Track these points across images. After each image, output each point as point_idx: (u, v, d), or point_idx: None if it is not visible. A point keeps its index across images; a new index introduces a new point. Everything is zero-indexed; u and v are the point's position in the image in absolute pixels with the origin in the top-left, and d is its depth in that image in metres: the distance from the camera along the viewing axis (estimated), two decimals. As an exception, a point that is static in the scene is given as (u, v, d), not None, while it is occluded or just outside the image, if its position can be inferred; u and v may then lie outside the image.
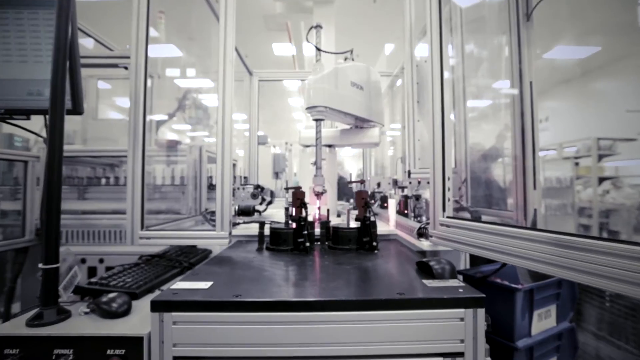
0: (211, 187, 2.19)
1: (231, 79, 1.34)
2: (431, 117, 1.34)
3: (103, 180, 2.30)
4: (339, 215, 2.18)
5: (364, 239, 1.45)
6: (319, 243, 1.55)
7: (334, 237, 1.50)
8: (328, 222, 1.64)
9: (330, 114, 1.78)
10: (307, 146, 2.30)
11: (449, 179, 1.32)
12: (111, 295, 1.03)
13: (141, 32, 1.38)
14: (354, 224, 1.53)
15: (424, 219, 2.06)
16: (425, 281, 1.01)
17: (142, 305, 1.06)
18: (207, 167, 2.05)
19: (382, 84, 3.25)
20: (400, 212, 2.08)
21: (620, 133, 5.60)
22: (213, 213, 1.89)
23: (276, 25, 5.96)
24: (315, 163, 1.76)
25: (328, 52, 1.93)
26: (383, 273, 1.12)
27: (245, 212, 1.78)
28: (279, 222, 1.62)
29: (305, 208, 1.46)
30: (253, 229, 1.76)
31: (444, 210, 1.30)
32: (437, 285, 0.97)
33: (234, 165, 2.72)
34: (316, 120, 1.74)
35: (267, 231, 1.53)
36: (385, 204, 2.61)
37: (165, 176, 2.22)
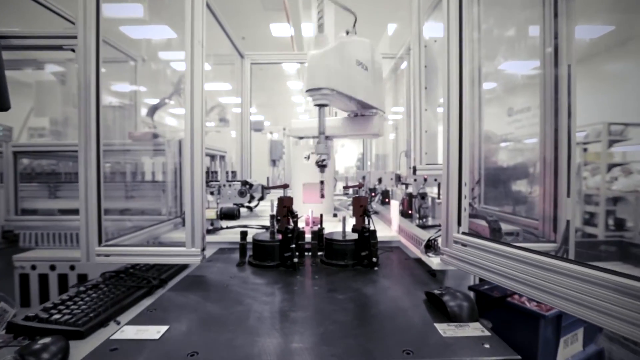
0: (194, 184, 1.95)
1: (200, 35, 1.08)
2: (445, 107, 1.07)
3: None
4: (335, 215, 1.94)
5: (362, 253, 1.21)
6: (310, 254, 1.31)
7: (328, 249, 1.27)
8: (321, 229, 1.40)
9: (336, 99, 1.43)
10: (301, 138, 2.03)
11: (465, 184, 1.06)
12: (43, 341, 0.80)
13: (90, 5, 1.10)
14: (350, 228, 1.28)
15: (430, 220, 1.82)
16: (438, 326, 0.77)
17: (86, 349, 0.84)
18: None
19: (385, 66, 2.95)
20: (403, 213, 1.83)
21: (633, 117, 5.25)
22: (193, 216, 1.65)
23: (273, 4, 5.55)
24: (319, 133, 1.45)
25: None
26: (384, 309, 0.88)
27: (228, 215, 1.55)
28: (265, 229, 1.38)
29: (294, 217, 1.22)
30: (238, 234, 1.53)
31: (459, 224, 1.05)
32: (454, 335, 0.73)
33: (223, 157, 2.46)
34: (319, 106, 1.40)
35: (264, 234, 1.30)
36: (387, 200, 2.37)
37: (146, 172, 1.97)
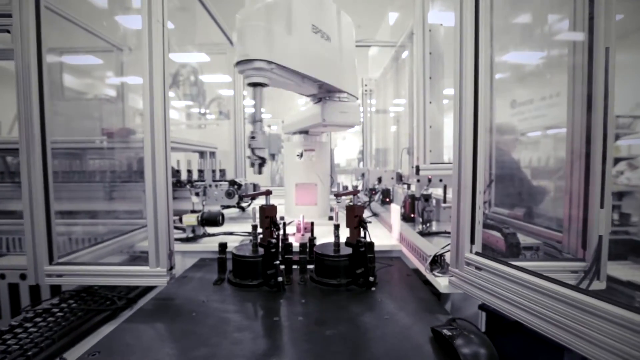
0: (178, 184, 1.76)
1: (159, 14, 0.89)
2: (456, 103, 0.88)
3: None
4: (331, 218, 1.75)
5: (357, 270, 1.03)
6: (298, 267, 1.13)
7: (319, 265, 1.08)
8: (312, 239, 1.21)
9: (279, 77, 1.07)
10: (294, 133, 1.83)
11: (480, 193, 0.87)
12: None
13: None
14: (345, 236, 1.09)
15: (434, 225, 1.63)
16: (450, 385, 0.59)
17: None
18: (169, 159, 1.60)
19: (385, 54, 2.72)
20: (405, 216, 1.64)
21: (641, 109, 4.98)
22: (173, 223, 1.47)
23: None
24: (254, 120, 1.12)
25: None
26: (381, 352, 0.70)
27: (210, 221, 1.36)
28: (248, 240, 1.19)
29: (278, 229, 1.03)
30: (221, 241, 1.35)
31: (472, 242, 0.86)
32: (472, 401, 0.55)
33: (213, 154, 2.28)
34: (254, 85, 1.05)
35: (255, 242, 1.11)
36: (388, 199, 2.18)
37: (125, 170, 1.79)
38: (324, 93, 1.42)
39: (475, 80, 0.85)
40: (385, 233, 1.56)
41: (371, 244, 1.04)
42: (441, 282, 0.94)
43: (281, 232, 1.11)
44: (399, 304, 0.92)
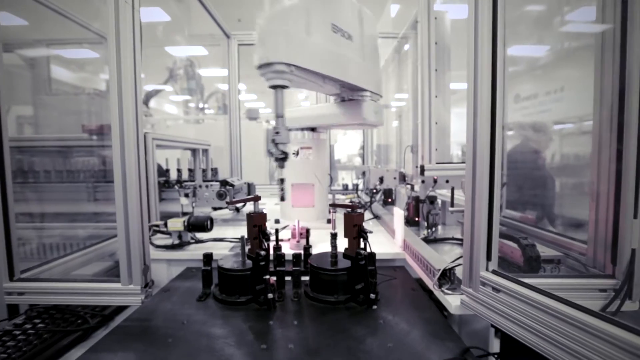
0: (166, 184, 1.64)
1: None
2: (471, 95, 0.75)
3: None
4: (329, 221, 1.63)
5: (356, 285, 0.91)
6: (291, 278, 1.01)
7: (314, 280, 0.97)
8: (308, 248, 1.10)
9: (299, 78, 1.06)
10: (290, 130, 1.71)
11: (498, 201, 0.75)
12: None
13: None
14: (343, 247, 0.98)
15: (440, 229, 1.51)
16: None
17: None
18: (155, 159, 1.48)
19: (387, 47, 2.58)
20: (409, 220, 1.52)
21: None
22: (157, 228, 1.36)
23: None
24: (276, 114, 1.11)
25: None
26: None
27: (197, 226, 1.25)
28: (239, 247, 1.08)
29: (268, 240, 0.91)
30: (210, 249, 1.24)
31: (488, 258, 0.74)
32: None
33: (206, 151, 2.15)
34: (275, 87, 1.04)
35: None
36: (390, 199, 2.06)
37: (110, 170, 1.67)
38: (347, 92, 1.38)
39: (492, 70, 0.73)
40: (388, 238, 1.44)
41: (372, 256, 0.92)
42: (451, 302, 0.83)
43: (273, 241, 1.00)
44: (403, 327, 0.80)
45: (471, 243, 0.76)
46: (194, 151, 2.10)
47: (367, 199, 2.30)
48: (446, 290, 0.88)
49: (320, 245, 1.32)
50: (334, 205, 0.97)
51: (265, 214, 0.92)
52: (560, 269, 0.93)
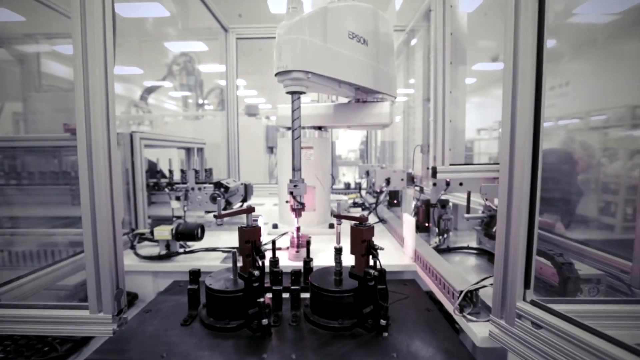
0: (155, 187, 1.51)
1: None
2: (509, 86, 0.62)
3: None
4: (331, 226, 1.50)
5: (364, 309, 0.78)
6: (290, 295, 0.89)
7: (316, 301, 0.84)
8: (308, 261, 0.97)
9: (316, 84, 1.09)
10: (289, 128, 1.57)
11: (537, 215, 0.62)
12: None
13: None
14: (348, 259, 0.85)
15: (451, 235, 1.38)
16: None
17: None
18: (143, 159, 1.35)
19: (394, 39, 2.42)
20: (419, 225, 1.39)
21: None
22: (143, 236, 1.23)
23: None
24: (293, 159, 1.10)
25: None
26: None
27: (186, 235, 1.12)
28: (228, 263, 0.95)
29: (262, 257, 0.78)
30: (200, 260, 1.11)
31: (526, 285, 0.61)
32: None
33: (201, 150, 2.02)
34: (292, 93, 1.08)
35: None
36: (395, 201, 1.93)
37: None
38: (362, 95, 1.39)
39: (538, 52, 0.59)
40: (395, 246, 1.31)
41: (382, 274, 0.79)
42: (477, 331, 0.70)
43: (269, 254, 0.87)
44: (421, 362, 0.68)
45: (505, 265, 0.63)
46: (188, 150, 1.96)
47: (371, 199, 2.17)
48: (469, 317, 0.75)
49: (321, 255, 1.19)
50: (339, 217, 0.84)
51: (259, 228, 0.79)
52: (600, 289, 0.80)
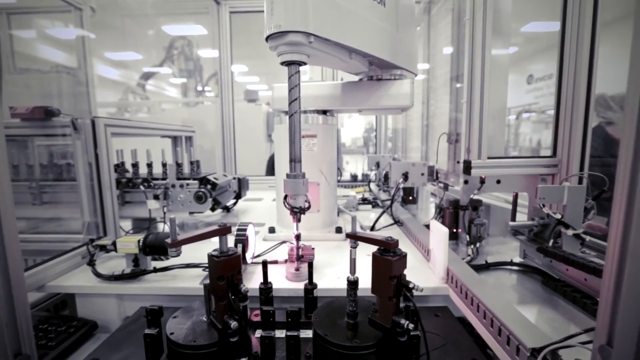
0: (130, 184, 1.26)
1: None
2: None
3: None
4: (338, 230, 1.25)
5: (392, 373, 0.54)
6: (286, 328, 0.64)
7: (321, 355, 0.59)
8: (311, 289, 0.72)
9: (320, 52, 0.81)
10: (286, 113, 1.30)
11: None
12: None
13: None
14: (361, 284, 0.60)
15: (485, 245, 1.13)
16: None
17: None
18: (110, 151, 1.09)
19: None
20: (445, 232, 1.14)
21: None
22: (104, 248, 0.98)
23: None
24: (291, 149, 0.86)
25: None
26: None
27: (156, 248, 0.88)
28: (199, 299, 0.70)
29: (244, 299, 0.54)
30: (176, 280, 0.87)
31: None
32: None
33: (190, 139, 1.75)
34: (288, 64, 0.79)
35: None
36: (411, 197, 1.67)
37: (46, 165, 1.28)
38: (375, 70, 1.10)
39: None
40: (417, 256, 1.05)
41: (418, 318, 0.54)
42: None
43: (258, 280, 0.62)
44: None
45: (612, 312, 0.38)
46: (174, 139, 1.70)
47: (380, 193, 1.92)
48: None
49: (327, 271, 0.95)
50: (355, 238, 0.58)
51: (239, 257, 0.54)
52: None
